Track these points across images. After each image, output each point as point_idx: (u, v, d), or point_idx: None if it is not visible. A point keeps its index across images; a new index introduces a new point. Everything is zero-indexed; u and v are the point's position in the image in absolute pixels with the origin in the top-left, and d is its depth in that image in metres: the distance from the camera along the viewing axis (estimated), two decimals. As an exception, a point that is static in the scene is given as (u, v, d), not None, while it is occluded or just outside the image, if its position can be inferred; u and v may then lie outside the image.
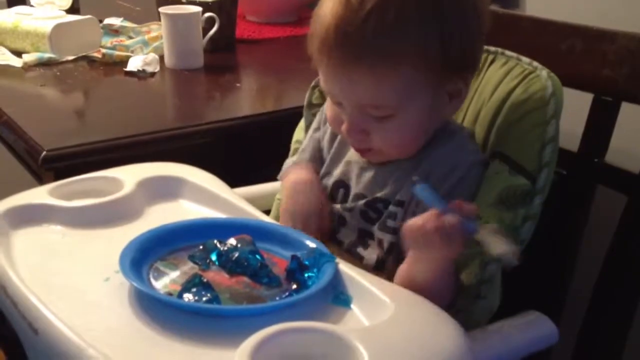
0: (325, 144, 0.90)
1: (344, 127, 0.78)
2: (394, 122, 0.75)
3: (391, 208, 0.80)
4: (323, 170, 0.88)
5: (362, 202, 0.82)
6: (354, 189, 0.84)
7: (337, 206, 0.84)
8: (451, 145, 0.80)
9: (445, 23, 0.72)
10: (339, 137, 0.87)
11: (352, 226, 0.82)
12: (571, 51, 0.90)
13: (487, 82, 0.85)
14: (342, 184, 0.85)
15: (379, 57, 0.71)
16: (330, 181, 0.86)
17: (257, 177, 1.01)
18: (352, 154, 0.85)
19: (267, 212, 0.91)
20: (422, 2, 0.72)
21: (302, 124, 0.99)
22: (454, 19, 0.73)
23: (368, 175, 0.83)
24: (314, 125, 0.93)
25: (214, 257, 0.72)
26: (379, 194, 0.81)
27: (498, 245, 0.64)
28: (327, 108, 0.82)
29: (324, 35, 0.73)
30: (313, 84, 0.99)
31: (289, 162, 0.93)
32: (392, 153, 0.79)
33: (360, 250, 0.81)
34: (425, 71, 0.73)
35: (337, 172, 0.86)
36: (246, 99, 1.32)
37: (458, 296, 0.74)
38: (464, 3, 0.75)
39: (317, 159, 0.90)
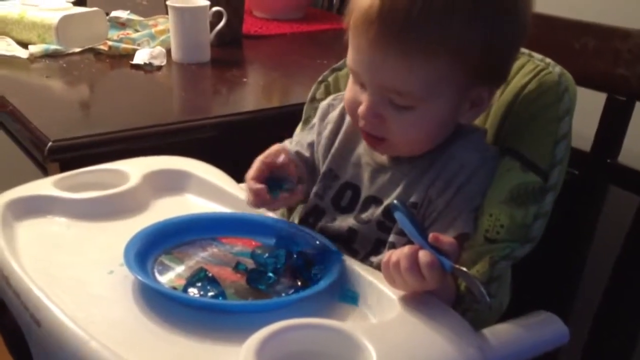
0: (323, 140, 0.87)
1: (361, 108, 0.76)
2: (413, 114, 0.74)
3: (408, 207, 0.78)
4: (325, 168, 0.86)
5: (378, 212, 0.80)
6: (366, 191, 0.82)
7: (352, 220, 0.81)
8: (462, 144, 0.78)
9: (492, 29, 0.71)
10: (341, 135, 0.86)
11: (368, 238, 0.80)
12: (584, 49, 0.89)
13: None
14: (351, 186, 0.84)
15: (420, 42, 0.70)
16: (337, 183, 0.85)
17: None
18: (359, 155, 0.84)
19: (273, 208, 0.90)
20: (475, 1, 0.70)
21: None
22: (501, 28, 0.72)
23: (382, 177, 0.81)
24: (315, 120, 0.90)
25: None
26: (392, 196, 0.79)
27: (472, 286, 0.65)
28: (347, 89, 0.80)
29: (367, 8, 0.71)
30: (320, 79, 0.98)
31: (292, 148, 0.91)
32: (403, 147, 0.78)
33: (372, 258, 0.79)
34: (460, 70, 0.72)
35: (345, 174, 0.84)
36: (252, 94, 1.32)
37: (466, 295, 0.72)
38: (513, 14, 0.73)
39: (311, 154, 0.88)
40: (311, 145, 0.89)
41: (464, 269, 0.65)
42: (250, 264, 0.72)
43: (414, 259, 0.64)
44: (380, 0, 0.70)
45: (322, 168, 0.86)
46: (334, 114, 0.88)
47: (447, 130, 0.79)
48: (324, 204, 0.84)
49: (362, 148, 0.84)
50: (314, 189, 0.85)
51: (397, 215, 0.66)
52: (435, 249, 0.64)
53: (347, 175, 0.84)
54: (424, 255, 0.64)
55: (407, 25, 0.69)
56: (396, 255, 0.65)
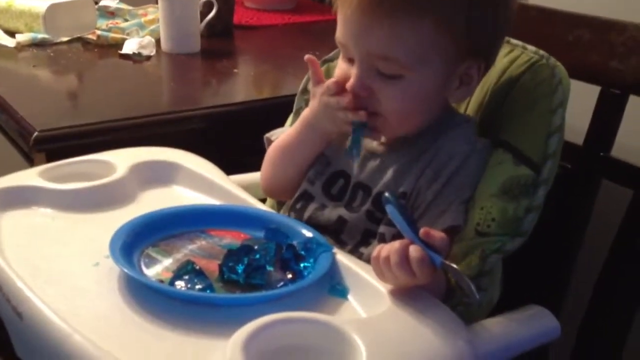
0: None
1: (349, 83, 0.76)
2: (401, 84, 0.74)
3: (399, 201, 0.78)
4: (325, 153, 0.85)
5: (368, 201, 0.79)
6: (355, 177, 0.82)
7: (342, 209, 0.81)
8: (452, 135, 0.78)
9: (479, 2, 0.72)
10: None
11: (357, 228, 0.80)
12: (578, 42, 0.88)
13: (491, 70, 0.83)
14: (343, 174, 0.83)
15: (402, 5, 0.70)
16: (329, 170, 0.84)
17: (252, 164, 0.98)
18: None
19: (263, 201, 0.89)
20: None
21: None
22: (486, 2, 0.73)
23: (372, 164, 0.81)
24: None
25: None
26: (381, 184, 0.79)
27: (461, 282, 0.64)
28: (337, 69, 0.80)
29: None
30: (311, 70, 0.97)
31: (285, 127, 0.90)
32: (393, 122, 0.77)
33: (362, 249, 0.79)
34: (445, 36, 0.72)
35: (338, 162, 0.84)
36: (243, 85, 1.31)
37: (457, 289, 0.72)
38: None
39: None
40: None
41: (454, 265, 0.64)
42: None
43: (404, 254, 0.63)
44: None
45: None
46: None
47: (437, 108, 0.79)
48: (314, 189, 0.84)
49: None
50: (307, 174, 0.85)
51: (389, 208, 0.65)
52: (426, 244, 0.64)
53: (340, 163, 0.83)
54: (414, 251, 0.63)
55: None
56: (386, 250, 0.64)
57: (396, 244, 0.64)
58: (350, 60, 0.76)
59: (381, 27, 0.71)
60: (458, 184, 0.76)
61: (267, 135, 0.91)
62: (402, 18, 0.71)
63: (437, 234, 0.64)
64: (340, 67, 0.79)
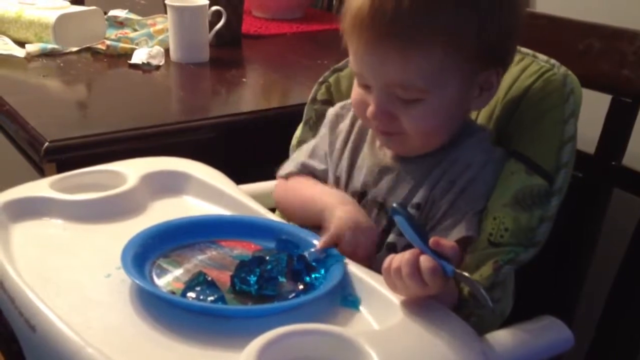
0: (336, 152, 0.86)
1: (369, 110, 0.76)
2: (422, 107, 0.74)
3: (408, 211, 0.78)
4: (337, 175, 0.85)
5: (383, 218, 0.79)
6: (371, 194, 0.81)
7: None
8: (468, 144, 0.78)
9: (483, 10, 0.72)
10: (350, 143, 0.85)
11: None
12: (589, 51, 0.88)
13: (502, 80, 0.83)
14: (357, 193, 0.83)
15: (410, 35, 0.71)
16: (349, 190, 0.84)
17: (261, 174, 0.99)
18: (364, 158, 0.83)
19: (273, 210, 0.89)
20: None
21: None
22: (491, 8, 0.73)
23: (387, 178, 0.81)
24: (325, 130, 0.89)
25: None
26: (397, 197, 0.79)
27: (474, 290, 0.64)
28: (353, 91, 0.81)
29: (358, 12, 0.73)
30: (321, 79, 0.97)
31: (297, 158, 0.90)
32: (417, 141, 0.77)
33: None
34: (457, 57, 0.72)
35: (352, 182, 0.83)
36: (251, 94, 1.31)
37: (470, 300, 0.71)
38: None
39: (326, 165, 0.87)
40: (324, 157, 0.88)
41: (466, 273, 0.64)
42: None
43: (415, 264, 0.63)
44: (369, 2, 0.71)
45: (333, 177, 0.86)
46: (345, 124, 0.87)
47: (461, 118, 0.79)
48: None
49: (366, 149, 0.83)
50: None
51: (397, 218, 0.65)
52: (436, 253, 0.63)
53: (355, 182, 0.83)
54: (425, 261, 0.62)
55: (396, 21, 0.70)
56: (397, 260, 0.64)
57: (407, 255, 0.64)
58: (367, 87, 0.77)
59: (393, 58, 0.72)
60: (473, 194, 0.75)
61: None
62: (411, 47, 0.71)
63: (448, 243, 0.64)
64: (356, 91, 0.79)
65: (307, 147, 0.90)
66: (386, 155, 0.82)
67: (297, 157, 0.90)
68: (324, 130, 0.89)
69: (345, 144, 0.86)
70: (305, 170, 0.87)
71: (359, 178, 0.83)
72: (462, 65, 0.73)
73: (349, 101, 0.88)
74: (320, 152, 0.88)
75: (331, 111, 0.90)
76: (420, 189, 0.78)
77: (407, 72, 0.72)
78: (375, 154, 0.83)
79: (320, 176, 0.87)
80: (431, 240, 0.63)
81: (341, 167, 0.85)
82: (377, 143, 0.84)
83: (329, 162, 0.87)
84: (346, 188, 0.84)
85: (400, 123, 0.75)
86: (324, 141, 0.88)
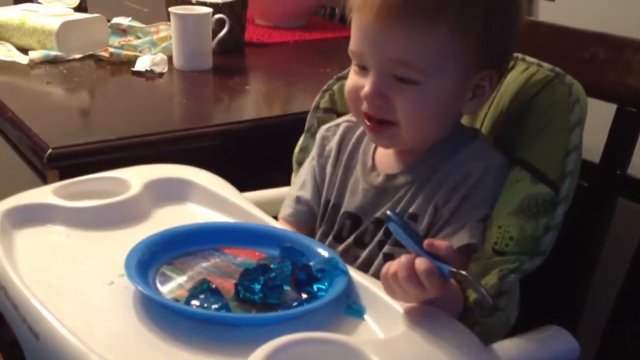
0: (328, 176, 0.87)
1: (364, 91, 0.76)
2: (418, 90, 0.74)
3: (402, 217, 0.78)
4: (333, 201, 0.85)
5: (380, 233, 0.79)
6: (367, 217, 0.82)
7: (364, 253, 0.81)
8: (464, 153, 0.78)
9: (492, 2, 0.73)
10: (341, 166, 0.85)
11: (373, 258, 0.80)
12: (594, 60, 0.88)
13: (507, 88, 0.83)
14: (351, 216, 0.83)
15: (420, 7, 0.71)
16: (338, 215, 0.84)
17: (263, 181, 0.99)
18: (356, 180, 0.83)
19: (277, 218, 0.88)
20: None
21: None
22: (499, 3, 0.74)
23: (383, 199, 0.81)
24: (313, 153, 0.90)
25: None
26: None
27: (473, 288, 0.63)
28: (348, 80, 0.80)
29: None
30: (325, 87, 0.97)
31: (291, 193, 0.90)
32: (407, 132, 0.76)
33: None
34: (462, 42, 0.73)
35: (345, 204, 0.84)
36: (254, 102, 1.31)
37: (475, 308, 0.71)
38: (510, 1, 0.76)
39: (316, 193, 0.87)
40: (314, 186, 0.88)
41: (463, 272, 0.62)
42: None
43: (411, 267, 0.62)
44: None
45: (324, 202, 0.86)
46: (332, 145, 0.88)
47: (451, 120, 0.79)
48: (324, 239, 0.84)
49: (359, 171, 0.84)
50: (320, 230, 0.85)
51: (391, 226, 0.65)
52: (432, 255, 0.63)
53: (347, 205, 0.84)
54: (420, 263, 0.62)
55: None
56: (394, 266, 0.64)
57: (402, 259, 0.63)
58: (364, 70, 0.77)
59: (401, 32, 0.72)
60: (475, 202, 0.75)
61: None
62: (420, 24, 0.72)
63: (442, 244, 0.64)
64: (352, 78, 0.79)
65: (299, 179, 0.90)
66: (379, 176, 0.82)
67: (291, 191, 0.90)
68: (312, 154, 0.90)
69: (335, 167, 0.86)
70: (300, 204, 0.88)
71: (354, 201, 0.83)
72: (465, 54, 0.74)
73: (334, 122, 0.90)
74: (309, 179, 0.88)
75: (318, 135, 0.90)
76: (417, 200, 0.78)
77: (412, 47, 0.72)
78: (367, 175, 0.83)
79: (314, 206, 0.87)
80: (425, 242, 0.63)
81: (332, 190, 0.85)
82: (369, 163, 0.84)
83: (318, 186, 0.87)
84: (338, 211, 0.84)
85: (392, 108, 0.75)
86: (312, 167, 0.88)
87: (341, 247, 0.82)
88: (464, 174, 0.76)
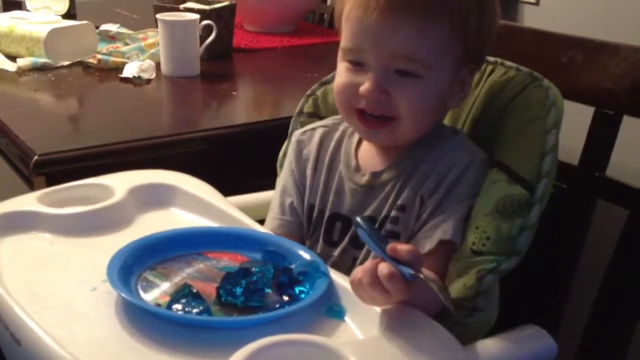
0: (309, 180, 0.86)
1: (364, 87, 0.75)
2: (418, 84, 0.75)
3: (393, 213, 0.79)
4: (317, 205, 0.85)
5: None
6: (353, 215, 0.82)
7: (361, 254, 0.81)
8: (448, 146, 0.79)
9: (482, 9, 0.76)
10: (323, 168, 0.85)
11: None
12: (572, 63, 0.89)
13: (486, 92, 0.84)
14: (339, 217, 0.83)
15: (427, 2, 0.73)
16: (324, 218, 0.84)
17: (252, 186, 0.99)
18: (341, 181, 0.83)
19: (261, 222, 0.89)
20: None
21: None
22: (486, 4, 0.77)
23: (369, 197, 0.81)
24: (290, 158, 0.88)
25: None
26: (384, 212, 0.80)
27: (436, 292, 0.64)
28: (337, 77, 0.80)
29: None
30: (308, 92, 0.98)
31: (274, 199, 0.89)
32: (407, 125, 0.77)
33: None
34: (459, 38, 0.75)
35: (330, 206, 0.84)
36: (242, 107, 1.32)
37: (456, 309, 0.72)
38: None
39: (299, 197, 0.87)
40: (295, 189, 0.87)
41: (422, 275, 0.63)
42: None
43: (374, 273, 0.63)
44: None
45: (307, 206, 0.85)
46: (310, 148, 0.87)
47: (441, 114, 0.81)
48: (316, 244, 0.84)
49: (343, 171, 0.84)
50: (308, 236, 0.85)
51: (359, 231, 0.66)
52: (395, 259, 0.63)
53: (333, 207, 0.84)
54: (383, 268, 0.62)
55: None
56: (359, 272, 0.64)
57: (367, 265, 0.64)
58: (359, 67, 0.76)
59: (407, 27, 0.73)
60: (458, 194, 0.76)
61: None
62: (427, 20, 0.73)
63: (405, 247, 0.63)
64: (344, 75, 0.78)
65: (278, 186, 0.89)
66: (365, 175, 0.82)
67: (274, 203, 0.89)
68: (289, 159, 0.89)
69: (315, 171, 0.86)
70: (286, 215, 0.87)
71: (341, 203, 0.83)
72: (458, 49, 0.75)
73: (309, 127, 0.89)
74: (290, 185, 0.87)
75: (293, 139, 0.90)
76: (404, 192, 0.79)
77: (418, 42, 0.73)
78: (353, 175, 0.83)
79: (299, 212, 0.86)
80: (388, 247, 0.63)
81: (316, 195, 0.85)
82: (353, 164, 0.84)
83: (299, 190, 0.87)
84: (322, 213, 0.84)
85: (392, 103, 0.75)
86: (291, 172, 0.88)
87: (337, 250, 0.83)
88: (449, 166, 0.77)
